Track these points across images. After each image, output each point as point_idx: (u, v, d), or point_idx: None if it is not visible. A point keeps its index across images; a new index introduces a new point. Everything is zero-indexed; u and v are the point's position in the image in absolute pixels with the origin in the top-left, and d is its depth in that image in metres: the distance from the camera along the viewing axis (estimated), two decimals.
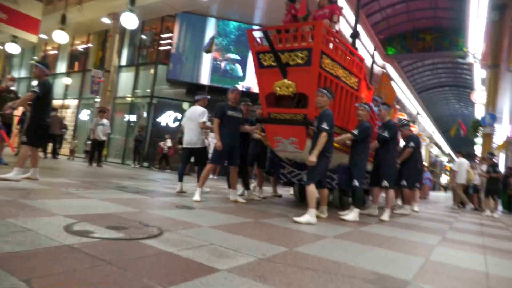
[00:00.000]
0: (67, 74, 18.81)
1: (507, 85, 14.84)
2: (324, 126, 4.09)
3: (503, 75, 13.63)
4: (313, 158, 4.11)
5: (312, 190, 4.14)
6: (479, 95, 16.00)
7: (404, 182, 6.25)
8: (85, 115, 17.38)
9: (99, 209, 3.29)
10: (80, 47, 19.01)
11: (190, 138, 5.69)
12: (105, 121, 10.62)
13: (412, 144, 6.29)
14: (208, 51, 11.44)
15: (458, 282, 2.31)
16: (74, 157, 14.41)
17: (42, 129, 4.89)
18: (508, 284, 2.41)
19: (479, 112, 17.76)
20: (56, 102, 18.28)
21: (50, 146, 11.94)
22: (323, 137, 4.08)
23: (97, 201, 3.75)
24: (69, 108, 18.41)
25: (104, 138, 10.58)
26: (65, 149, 15.48)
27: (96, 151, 10.61)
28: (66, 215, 2.80)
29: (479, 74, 17.51)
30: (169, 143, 13.11)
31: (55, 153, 11.93)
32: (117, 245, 2.14)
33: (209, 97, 6.07)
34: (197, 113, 5.62)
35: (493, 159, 9.64)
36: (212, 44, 11.37)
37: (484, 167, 10.71)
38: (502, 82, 13.76)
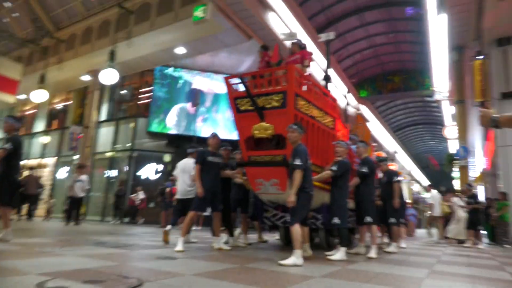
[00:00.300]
0: (45, 132, 18.62)
1: (475, 120, 15.61)
2: (298, 162, 4.09)
3: (470, 110, 14.38)
4: (291, 198, 4.09)
5: (296, 230, 4.07)
6: (450, 131, 16.72)
7: (392, 220, 6.19)
8: (63, 173, 16.98)
9: (75, 265, 3.12)
10: (59, 105, 19.05)
11: (184, 189, 5.83)
12: (83, 177, 10.38)
13: (396, 178, 6.33)
14: (195, 105, 11.85)
15: None
16: (51, 217, 13.82)
17: (12, 186, 4.71)
18: None
19: (453, 147, 18.40)
20: (32, 162, 17.90)
21: (24, 207, 11.48)
22: (298, 173, 4.08)
23: (73, 258, 3.57)
24: (46, 167, 17.98)
25: (82, 194, 10.26)
26: (41, 209, 14.87)
27: (74, 209, 10.24)
28: (39, 273, 2.64)
29: (448, 110, 18.43)
30: (141, 195, 12.81)
31: (30, 214, 11.42)
32: None
33: (201, 149, 6.10)
34: (190, 165, 5.73)
35: (473, 190, 9.84)
36: (198, 97, 11.81)
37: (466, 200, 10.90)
38: (470, 117, 14.48)
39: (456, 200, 10.42)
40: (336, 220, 4.73)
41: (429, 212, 11.41)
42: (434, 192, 11.59)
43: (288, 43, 6.41)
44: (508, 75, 9.98)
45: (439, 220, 11.26)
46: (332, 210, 4.86)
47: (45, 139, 18.34)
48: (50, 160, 17.87)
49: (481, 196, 17.87)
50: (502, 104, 9.97)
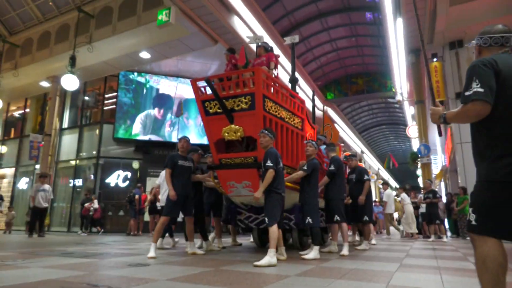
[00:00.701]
0: (2, 142, 17.59)
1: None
2: (269, 163, 4.20)
3: (429, 110, 15.11)
4: (258, 194, 4.19)
5: (274, 230, 4.13)
6: (412, 130, 17.48)
7: (366, 218, 6.33)
8: (23, 183, 16.10)
9: (40, 276, 2.97)
10: (17, 113, 18.07)
11: None
12: (46, 186, 9.92)
13: (367, 177, 6.50)
14: (179, 115, 11.75)
15: None
16: (12, 230, 13.06)
17: None
18: None
19: (416, 146, 19.24)
20: None
21: None
22: (269, 173, 4.18)
23: (37, 269, 3.39)
24: (4, 178, 16.98)
25: (46, 205, 9.81)
26: (0, 222, 14.04)
27: (37, 220, 9.74)
28: (0, 287, 2.50)
29: (409, 110, 19.27)
30: (95, 204, 12.40)
31: None
32: None
33: (200, 151, 5.88)
34: None
35: (432, 186, 10.35)
36: (181, 108, 11.75)
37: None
38: (429, 116, 15.21)
39: (403, 196, 11.01)
40: (309, 220, 4.81)
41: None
42: (388, 190, 12.21)
43: (254, 46, 6.45)
44: (461, 76, 10.59)
45: (387, 217, 11.94)
46: (304, 210, 4.94)
47: (2, 148, 17.33)
48: (8, 171, 16.90)
49: (442, 191, 18.83)
50: (457, 103, 10.56)
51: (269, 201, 4.23)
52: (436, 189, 13.63)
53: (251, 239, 7.53)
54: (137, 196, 11.62)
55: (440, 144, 18.81)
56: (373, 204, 8.86)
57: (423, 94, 14.32)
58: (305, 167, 4.94)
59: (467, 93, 1.79)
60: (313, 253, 4.65)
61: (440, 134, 2.12)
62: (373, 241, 7.84)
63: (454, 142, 10.85)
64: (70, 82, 11.43)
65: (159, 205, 8.02)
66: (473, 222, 1.81)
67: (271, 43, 11.25)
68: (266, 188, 4.23)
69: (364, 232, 6.57)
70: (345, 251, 5.21)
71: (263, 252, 5.17)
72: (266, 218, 4.22)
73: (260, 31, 11.95)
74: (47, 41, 13.51)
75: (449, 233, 11.41)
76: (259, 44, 5.67)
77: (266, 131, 4.38)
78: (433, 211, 9.60)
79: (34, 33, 14.01)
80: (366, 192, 6.33)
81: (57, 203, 14.59)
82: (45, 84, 14.96)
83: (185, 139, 5.20)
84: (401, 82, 16.35)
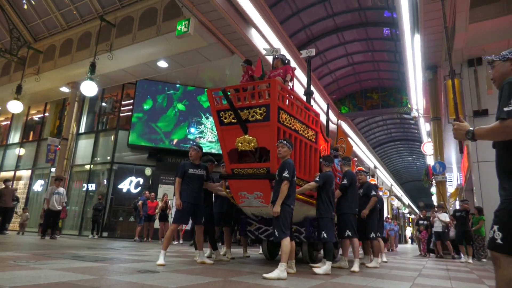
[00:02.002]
0: (21, 144, 18.05)
1: (450, 136, 16.15)
2: (286, 174, 4.16)
3: (445, 127, 14.88)
4: (277, 208, 4.12)
5: (286, 244, 4.07)
6: (428, 147, 17.20)
7: (373, 234, 6.20)
8: (38, 185, 16.42)
9: (51, 279, 3.01)
10: (36, 117, 18.55)
11: None
12: (61, 189, 10.10)
13: (373, 192, 6.42)
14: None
15: None
16: (25, 231, 13.28)
17: None
18: None
19: (431, 163, 18.93)
20: (5, 174, 17.27)
21: None
22: (285, 185, 4.14)
23: (49, 271, 3.44)
24: (21, 179, 17.36)
25: (59, 208, 9.97)
26: (14, 223, 14.29)
27: (51, 222, 9.89)
28: (13, 286, 2.54)
29: (425, 127, 19.02)
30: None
31: (3, 228, 10.95)
32: None
33: (214, 161, 5.89)
34: None
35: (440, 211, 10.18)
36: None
37: (443, 216, 11.19)
38: (445, 134, 14.98)
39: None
40: (324, 235, 4.75)
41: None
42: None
43: (270, 58, 6.52)
44: (479, 94, 10.43)
45: None
46: (320, 224, 4.88)
47: (20, 151, 17.76)
48: (25, 173, 17.29)
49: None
50: (474, 121, 10.39)
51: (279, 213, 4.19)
52: (451, 208, 13.33)
53: (260, 251, 7.47)
54: (140, 202, 11.67)
55: (455, 163, 18.44)
56: (385, 221, 8.68)
57: (440, 110, 14.13)
58: (317, 178, 4.90)
59: (506, 109, 1.74)
60: (325, 267, 4.59)
61: (461, 151, 2.08)
62: (384, 258, 7.69)
63: (471, 161, 10.62)
64: (89, 88, 11.71)
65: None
66: (499, 241, 1.74)
67: (287, 55, 11.33)
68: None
69: (373, 249, 6.42)
70: (355, 267, 5.12)
71: (272, 264, 5.13)
72: (275, 231, 4.16)
73: (277, 43, 12.07)
74: (69, 48, 13.92)
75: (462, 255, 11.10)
76: (276, 56, 5.73)
77: (285, 142, 4.38)
78: (466, 229, 9.44)
79: (57, 40, 14.47)
80: (371, 207, 6.14)
81: (70, 207, 14.81)
82: (65, 89, 15.36)
83: (193, 148, 5.22)
84: (417, 98, 16.18)
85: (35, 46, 15.07)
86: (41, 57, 14.80)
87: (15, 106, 13.82)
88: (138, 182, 14.03)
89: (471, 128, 1.93)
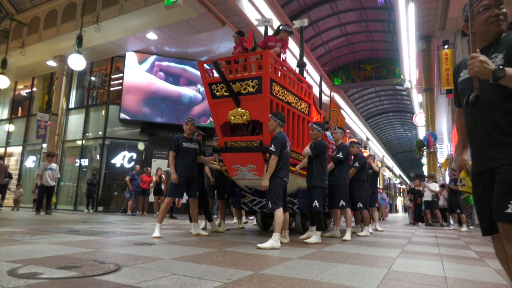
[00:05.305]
0: (10, 120, 17.74)
1: (442, 107, 16.25)
2: (272, 148, 4.20)
3: (437, 98, 14.94)
4: (265, 182, 4.20)
5: (279, 215, 4.14)
6: (420, 118, 17.32)
7: (360, 204, 6.28)
8: (30, 162, 16.31)
9: (48, 252, 3.04)
10: (24, 92, 18.15)
11: None
12: (53, 165, 10.05)
13: (356, 164, 6.33)
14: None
15: (419, 286, 2.39)
16: (19, 207, 13.32)
17: None
18: (465, 284, 2.53)
19: (422, 134, 19.12)
20: None
21: None
22: (272, 159, 4.19)
23: (46, 245, 3.47)
24: (12, 156, 17.20)
25: (53, 183, 9.96)
26: (8, 199, 14.29)
27: (44, 198, 9.91)
28: (10, 261, 2.56)
29: (417, 98, 19.07)
30: None
31: None
32: (69, 283, 1.99)
33: (201, 133, 5.94)
34: None
35: (437, 176, 10.34)
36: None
37: (433, 185, 11.43)
38: (437, 105, 15.05)
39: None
40: (316, 204, 4.82)
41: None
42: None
43: (262, 29, 6.38)
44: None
45: None
46: (312, 193, 4.93)
47: (10, 127, 17.48)
48: (16, 149, 17.11)
49: (447, 181, 18.73)
50: None
51: (271, 185, 4.22)
52: (441, 178, 13.61)
53: (254, 222, 7.63)
54: (128, 178, 11.74)
55: (447, 133, 18.65)
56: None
57: (432, 81, 14.12)
58: (313, 145, 4.91)
59: None
60: (315, 237, 4.69)
61: (479, 92, 1.56)
62: (378, 227, 7.90)
63: None
64: (77, 62, 11.40)
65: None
66: None
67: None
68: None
69: (363, 219, 6.57)
70: (347, 236, 5.26)
71: (266, 235, 5.24)
72: (268, 203, 4.22)
73: (269, 13, 11.77)
74: (54, 20, 13.43)
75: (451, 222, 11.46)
76: (282, 28, 5.45)
77: (272, 115, 4.36)
78: (454, 200, 9.64)
79: (41, 11, 13.92)
80: (351, 176, 6.09)
81: (64, 182, 14.80)
82: (52, 63, 14.96)
83: (192, 122, 5.20)
84: (410, 69, 16.12)
85: (18, 18, 14.49)
86: (25, 29, 14.28)
87: (1, 81, 13.45)
88: (131, 157, 14.00)
89: (501, 66, 1.56)
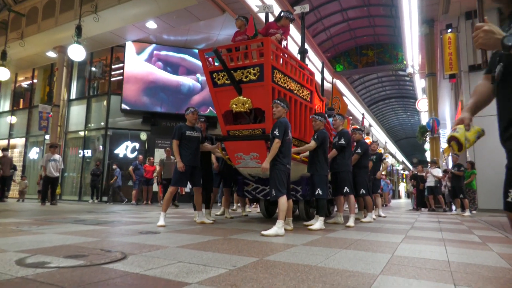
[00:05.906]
0: (12, 112, 17.77)
1: (445, 92, 16.12)
2: (276, 132, 4.17)
3: (440, 83, 14.81)
4: (265, 164, 4.17)
5: (283, 202, 4.14)
6: (422, 103, 17.20)
7: (363, 191, 6.30)
8: (34, 153, 16.40)
9: (55, 242, 3.08)
10: (25, 83, 18.12)
11: None
12: (57, 156, 10.10)
13: (359, 150, 6.34)
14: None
15: (423, 270, 2.40)
16: (25, 198, 13.46)
17: None
18: (468, 268, 2.54)
19: (425, 120, 19.01)
20: (0, 142, 17.17)
21: None
22: (276, 143, 4.15)
23: (52, 235, 3.52)
24: (15, 148, 17.29)
25: (57, 174, 10.04)
26: (14, 191, 14.42)
27: (49, 189, 10.00)
28: (18, 251, 2.60)
29: (420, 84, 18.90)
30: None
31: (2, 196, 11.09)
32: (77, 272, 2.02)
33: (203, 119, 5.86)
34: None
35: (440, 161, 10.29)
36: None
37: (436, 171, 11.43)
38: (440, 90, 14.92)
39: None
40: (319, 191, 4.83)
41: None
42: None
43: (263, 16, 6.29)
44: (475, 48, 10.27)
45: None
46: (314, 181, 4.94)
47: (12, 119, 17.53)
48: (19, 141, 17.19)
49: (449, 166, 18.71)
50: (470, 76, 10.31)
51: (274, 173, 4.21)
52: (445, 164, 13.59)
53: (258, 210, 7.68)
54: (131, 168, 11.84)
55: (449, 118, 18.55)
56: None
57: (435, 66, 13.98)
58: (315, 137, 4.90)
59: None
60: (318, 223, 4.72)
61: (486, 65, 1.32)
62: (382, 213, 7.94)
63: None
64: (77, 53, 11.34)
65: None
66: None
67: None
68: (272, 158, 4.22)
69: (366, 205, 6.60)
70: (351, 222, 5.29)
71: (270, 222, 5.28)
72: (272, 190, 4.22)
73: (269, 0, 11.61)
74: (52, 10, 13.32)
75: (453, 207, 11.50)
76: (283, 15, 5.38)
77: (278, 101, 4.32)
78: (458, 185, 9.63)
79: (39, 1, 13.80)
80: (353, 163, 6.14)
81: (68, 173, 14.89)
82: (51, 54, 14.90)
83: (196, 111, 5.19)
84: (412, 54, 15.94)
85: (16, 8, 14.38)
86: (24, 20, 14.18)
87: (1, 73, 13.42)
88: (134, 147, 14.03)
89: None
